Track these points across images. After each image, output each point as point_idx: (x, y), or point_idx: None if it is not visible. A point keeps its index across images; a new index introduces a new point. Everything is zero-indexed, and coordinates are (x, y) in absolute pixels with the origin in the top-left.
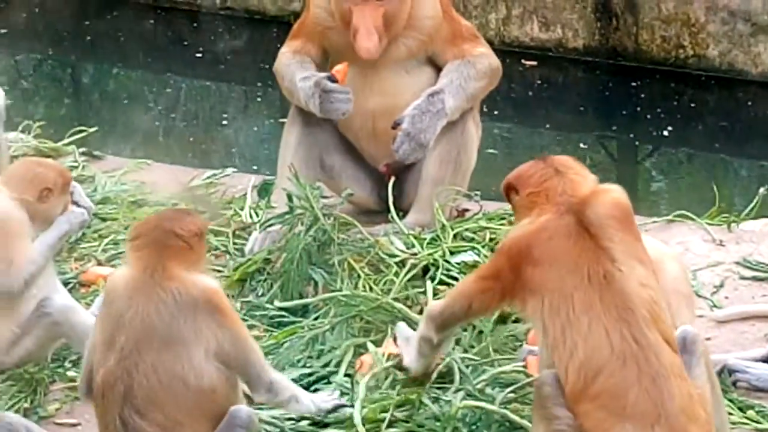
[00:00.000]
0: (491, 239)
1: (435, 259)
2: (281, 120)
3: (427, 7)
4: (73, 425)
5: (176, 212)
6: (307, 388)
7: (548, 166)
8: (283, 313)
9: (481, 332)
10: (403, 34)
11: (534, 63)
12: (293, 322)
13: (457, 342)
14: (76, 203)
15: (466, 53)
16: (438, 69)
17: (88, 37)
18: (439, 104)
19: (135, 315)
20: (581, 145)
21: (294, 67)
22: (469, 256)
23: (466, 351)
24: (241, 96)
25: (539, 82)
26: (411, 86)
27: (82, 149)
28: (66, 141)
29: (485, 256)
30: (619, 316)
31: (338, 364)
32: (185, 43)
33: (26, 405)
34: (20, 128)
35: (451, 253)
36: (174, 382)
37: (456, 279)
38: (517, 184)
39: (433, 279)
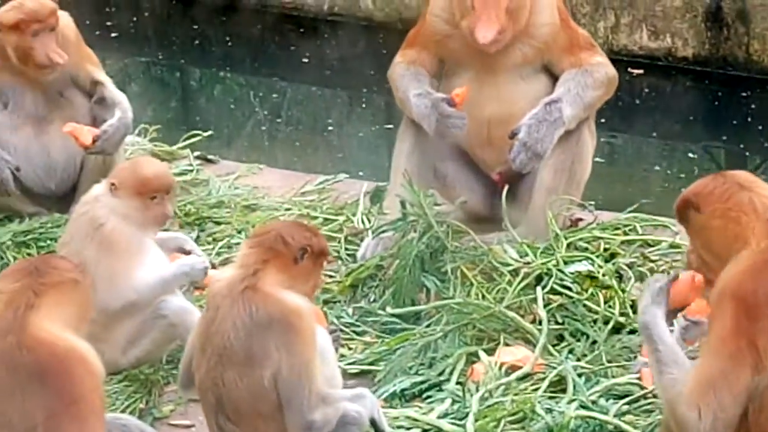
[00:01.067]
0: (605, 249)
1: (548, 269)
2: (387, 126)
3: (544, 14)
4: (187, 427)
5: (299, 224)
6: (418, 395)
7: (729, 182)
8: (395, 319)
9: (594, 342)
10: (520, 40)
11: (641, 71)
12: (405, 329)
13: (571, 351)
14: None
15: (584, 62)
16: (553, 77)
17: (197, 42)
18: (556, 113)
19: (217, 329)
20: (689, 155)
21: (408, 79)
22: (583, 266)
23: (579, 360)
24: (347, 102)
25: (647, 90)
26: (526, 94)
27: (196, 153)
28: (181, 145)
29: (599, 266)
30: None
31: (450, 373)
32: (292, 48)
33: (141, 406)
34: (136, 132)
35: (565, 263)
36: (257, 399)
37: (569, 288)
38: (697, 201)
39: (545, 288)
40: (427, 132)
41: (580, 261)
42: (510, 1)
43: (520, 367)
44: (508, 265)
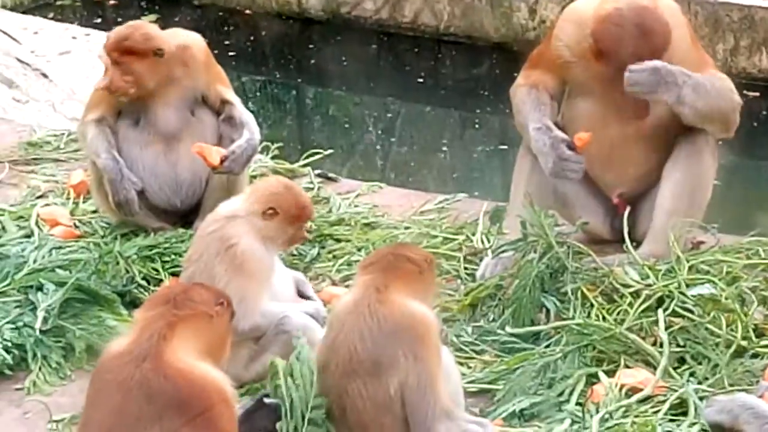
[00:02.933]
0: (728, 272)
1: (670, 291)
2: (501, 147)
3: (677, 31)
4: None
5: (408, 244)
6: (537, 416)
7: None
8: (514, 339)
9: (716, 366)
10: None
11: (757, 94)
12: (524, 349)
13: (692, 374)
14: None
15: (715, 74)
16: None
17: (312, 61)
18: (680, 81)
19: (344, 340)
20: None
21: (530, 106)
22: (705, 289)
23: (700, 383)
24: (460, 122)
25: (766, 113)
26: (651, 113)
27: (317, 171)
28: (302, 163)
29: (722, 290)
30: None
31: (570, 394)
32: (407, 67)
33: None
34: (259, 149)
35: (687, 285)
36: (380, 410)
37: (691, 311)
38: None
39: (666, 310)
40: None
41: (702, 284)
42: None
43: (641, 390)
44: (629, 286)
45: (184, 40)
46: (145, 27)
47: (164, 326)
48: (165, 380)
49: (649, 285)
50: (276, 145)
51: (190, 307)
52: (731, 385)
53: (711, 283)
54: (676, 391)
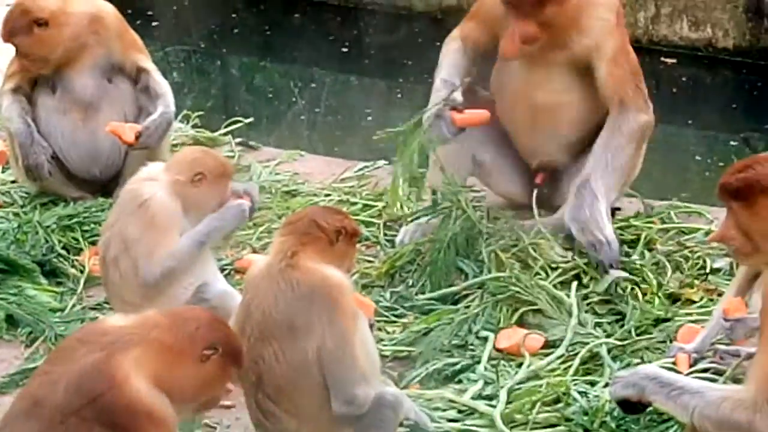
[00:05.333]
0: (647, 241)
1: (588, 268)
2: None
3: (601, 8)
4: (227, 407)
5: (328, 208)
6: (452, 377)
7: None
8: (433, 302)
9: (629, 330)
10: (572, 38)
11: (674, 61)
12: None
13: (609, 336)
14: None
15: (621, 110)
16: None
17: (236, 30)
18: (590, 196)
19: (258, 304)
20: (729, 145)
21: (447, 60)
22: (622, 273)
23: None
24: (384, 91)
25: (687, 81)
26: (576, 85)
27: (237, 140)
28: (222, 131)
29: (639, 270)
30: None
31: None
32: (331, 37)
33: None
34: (179, 118)
35: None
36: (298, 373)
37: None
38: None
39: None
40: None
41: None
42: (544, 21)
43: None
44: (546, 255)
45: (94, 7)
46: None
47: None
48: None
49: (567, 261)
50: (196, 114)
51: None
52: (646, 348)
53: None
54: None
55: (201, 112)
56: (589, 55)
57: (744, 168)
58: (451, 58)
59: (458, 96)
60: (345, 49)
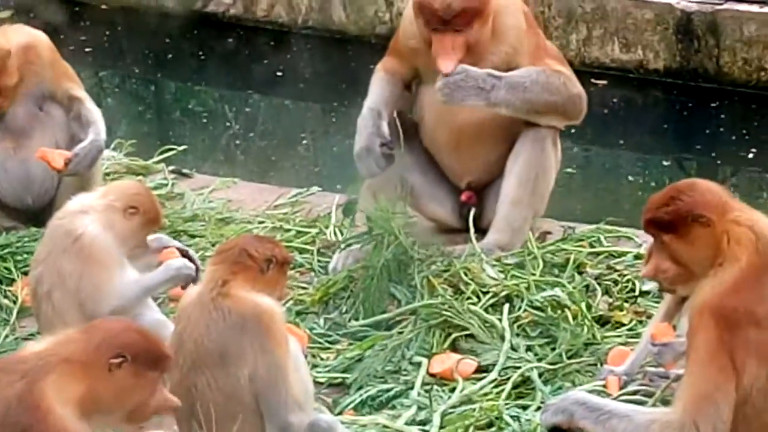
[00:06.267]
0: (573, 261)
1: (519, 290)
2: None
3: (510, 17)
4: None
5: (260, 237)
6: (386, 403)
7: (718, 190)
8: (366, 329)
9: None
10: (488, 49)
11: (604, 82)
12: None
13: (540, 360)
14: (189, 258)
15: (546, 66)
16: None
17: (170, 56)
18: (488, 84)
19: (190, 333)
20: (662, 165)
21: (374, 88)
22: (554, 292)
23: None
24: (321, 115)
25: (619, 102)
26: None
27: (171, 167)
28: (156, 159)
29: (569, 293)
30: None
31: (416, 378)
32: (265, 61)
33: None
34: (112, 146)
35: (536, 287)
36: (231, 402)
37: (540, 309)
38: (707, 212)
39: (514, 307)
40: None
41: (552, 287)
42: (467, 38)
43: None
44: (475, 281)
45: (28, 38)
46: None
47: None
48: None
49: (498, 284)
50: (129, 142)
51: None
52: (578, 371)
53: (560, 286)
54: (519, 371)
55: (134, 141)
56: (510, 61)
57: (669, 200)
58: (377, 87)
59: (384, 127)
60: (279, 74)
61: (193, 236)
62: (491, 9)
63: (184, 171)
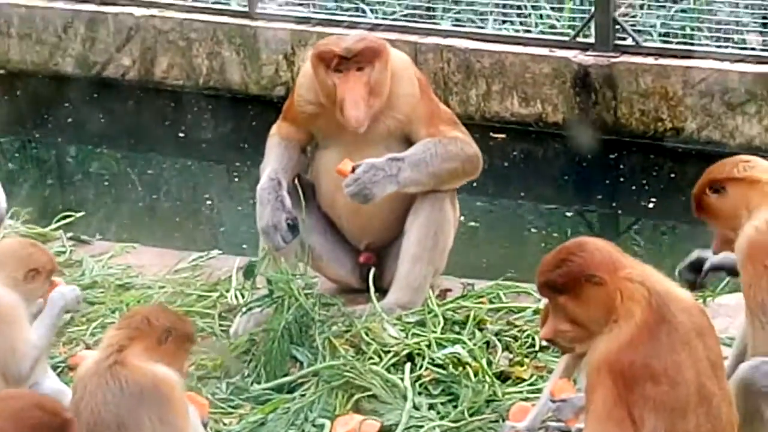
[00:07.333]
0: (474, 318)
1: (420, 349)
2: None
3: (404, 84)
4: None
5: (168, 310)
6: None
7: (607, 247)
8: (269, 392)
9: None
10: (383, 113)
11: (503, 136)
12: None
13: (443, 418)
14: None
15: (440, 134)
16: None
17: (70, 120)
18: (394, 169)
19: (87, 403)
20: (564, 217)
21: (272, 156)
22: (455, 349)
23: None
24: (224, 176)
25: (520, 156)
26: None
27: (69, 234)
28: (53, 226)
29: (470, 346)
30: None
31: None
32: (167, 122)
33: None
34: (9, 215)
35: (437, 344)
36: None
37: (442, 367)
38: (599, 272)
39: (416, 365)
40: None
41: (452, 344)
42: (369, 78)
43: None
44: (377, 341)
45: None
46: None
47: None
48: None
49: (399, 343)
50: (26, 210)
51: None
52: (480, 429)
53: (460, 343)
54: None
55: (31, 207)
56: (404, 128)
57: (560, 262)
58: (275, 155)
59: (287, 200)
60: (181, 135)
61: (92, 303)
62: (388, 54)
63: (83, 237)
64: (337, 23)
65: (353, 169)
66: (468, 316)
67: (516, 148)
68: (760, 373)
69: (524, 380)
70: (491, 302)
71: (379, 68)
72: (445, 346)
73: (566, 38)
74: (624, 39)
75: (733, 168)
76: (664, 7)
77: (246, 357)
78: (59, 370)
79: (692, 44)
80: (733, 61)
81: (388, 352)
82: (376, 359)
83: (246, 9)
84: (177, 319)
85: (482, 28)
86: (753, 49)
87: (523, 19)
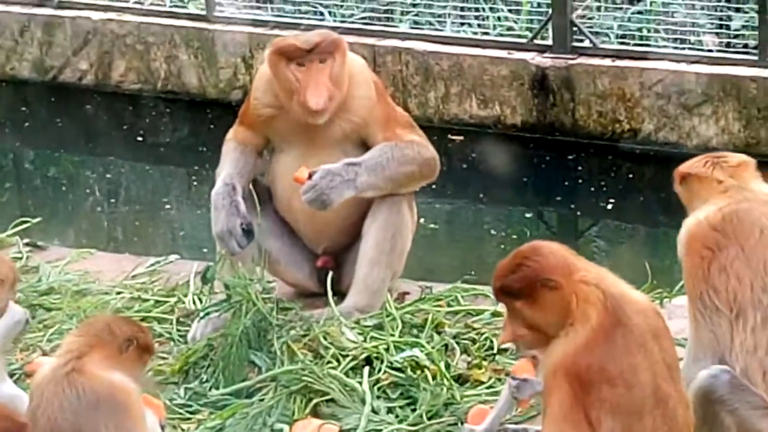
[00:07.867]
0: (435, 324)
1: (378, 352)
2: None
3: (360, 87)
4: None
5: (130, 320)
6: None
7: (562, 251)
8: (227, 397)
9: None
10: (339, 116)
11: (461, 137)
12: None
13: (401, 422)
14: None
15: (397, 137)
16: None
17: (27, 124)
18: (351, 174)
19: (44, 411)
20: (524, 218)
21: (228, 161)
22: (413, 352)
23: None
24: (182, 180)
25: (478, 158)
26: None
27: (25, 240)
28: (9, 232)
29: (428, 349)
30: None
31: None
32: (125, 126)
33: None
34: None
35: (396, 348)
36: None
37: (400, 370)
38: (554, 276)
39: (374, 369)
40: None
41: (411, 347)
42: (332, 70)
43: None
44: (334, 345)
45: None
46: None
47: None
48: None
49: (357, 346)
50: None
51: None
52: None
53: (419, 346)
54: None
55: None
56: (360, 131)
57: (515, 267)
58: (230, 159)
59: (242, 205)
60: (140, 138)
61: (49, 309)
62: (346, 49)
63: (39, 243)
64: (295, 26)
65: (310, 176)
66: (426, 320)
67: (475, 150)
68: (720, 381)
69: (482, 383)
70: (449, 305)
71: (339, 61)
72: (403, 350)
73: (524, 40)
74: (581, 41)
75: (696, 163)
76: (620, 8)
77: (204, 362)
78: (16, 376)
79: (649, 46)
80: (690, 63)
81: (347, 356)
82: (335, 363)
83: (204, 12)
84: (138, 330)
85: (440, 30)
86: (709, 50)
87: (481, 22)
